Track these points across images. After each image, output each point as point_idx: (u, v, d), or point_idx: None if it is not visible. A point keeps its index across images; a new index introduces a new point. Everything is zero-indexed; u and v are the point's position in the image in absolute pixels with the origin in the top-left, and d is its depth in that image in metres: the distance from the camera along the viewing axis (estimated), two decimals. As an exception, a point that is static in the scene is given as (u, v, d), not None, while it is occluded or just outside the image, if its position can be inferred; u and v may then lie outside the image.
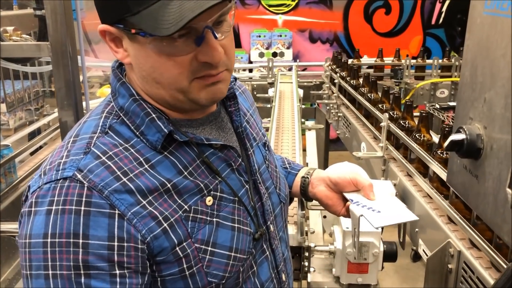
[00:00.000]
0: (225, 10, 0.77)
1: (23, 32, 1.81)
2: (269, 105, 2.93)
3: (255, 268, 0.89)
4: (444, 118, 2.99)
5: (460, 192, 1.00)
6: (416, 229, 1.63)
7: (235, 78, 0.98)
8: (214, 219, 0.82)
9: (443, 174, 1.42)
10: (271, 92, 3.37)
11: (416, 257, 3.53)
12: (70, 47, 1.39)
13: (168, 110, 0.83)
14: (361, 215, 0.95)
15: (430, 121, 1.65)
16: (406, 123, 1.87)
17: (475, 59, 0.91)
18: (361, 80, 2.67)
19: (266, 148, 1.03)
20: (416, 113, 1.97)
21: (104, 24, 0.78)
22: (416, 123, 1.79)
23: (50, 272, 0.70)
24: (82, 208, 0.71)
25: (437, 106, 3.36)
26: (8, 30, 1.75)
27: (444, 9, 5.59)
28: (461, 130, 0.89)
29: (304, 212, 1.53)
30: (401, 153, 1.88)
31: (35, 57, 1.85)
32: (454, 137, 0.89)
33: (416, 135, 1.69)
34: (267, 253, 0.93)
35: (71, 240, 0.70)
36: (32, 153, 2.43)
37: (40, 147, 2.51)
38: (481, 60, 0.89)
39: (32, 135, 2.59)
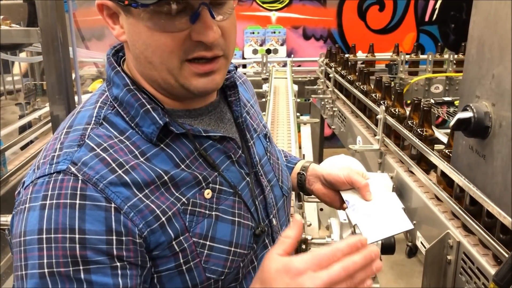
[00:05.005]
0: None
1: (13, 22, 1.77)
2: (263, 99, 2.90)
3: (255, 263, 0.86)
4: (439, 113, 2.98)
5: (466, 174, 0.98)
6: (414, 222, 1.61)
7: (236, 67, 0.94)
8: (213, 213, 0.79)
9: (441, 165, 1.40)
10: (265, 87, 3.35)
11: (411, 253, 3.51)
12: (60, 33, 1.35)
13: (165, 98, 0.80)
14: (356, 224, 0.94)
15: (428, 114, 1.64)
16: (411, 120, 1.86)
17: (482, 35, 0.88)
18: (357, 75, 2.66)
19: (267, 140, 1.00)
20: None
21: None
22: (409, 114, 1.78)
23: (46, 270, 0.66)
24: (77, 201, 0.68)
25: (432, 101, 3.36)
26: (-3, 19, 1.70)
27: (437, 6, 5.60)
28: (468, 108, 0.86)
29: (301, 203, 1.51)
30: (397, 144, 1.86)
31: (24, 44, 1.80)
32: (461, 115, 0.85)
33: (418, 129, 1.68)
34: (269, 247, 0.89)
35: (67, 235, 0.67)
36: (22, 148, 2.39)
37: (31, 142, 2.47)
38: (489, 36, 0.85)
39: (23, 129, 2.55)
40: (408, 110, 1.85)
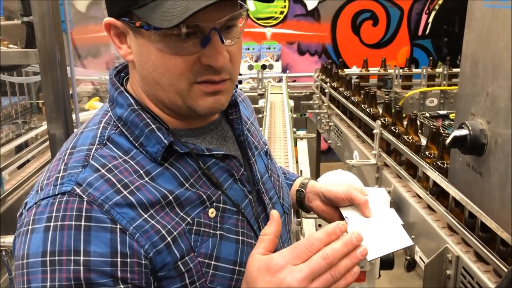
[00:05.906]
0: (235, 15, 0.75)
1: (10, 42, 1.78)
2: (260, 115, 2.91)
3: None
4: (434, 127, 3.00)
5: (463, 191, 0.98)
6: (412, 236, 1.61)
7: (236, 85, 0.95)
8: (218, 232, 0.79)
9: (438, 180, 1.40)
10: (261, 103, 3.36)
11: (410, 266, 3.50)
12: (58, 53, 1.36)
13: (168, 118, 0.81)
14: None
15: (418, 126, 1.57)
16: (397, 129, 1.86)
17: (475, 54, 0.90)
18: (353, 90, 2.65)
19: (268, 157, 1.00)
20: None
21: (110, 18, 0.76)
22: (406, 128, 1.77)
23: None
24: (82, 223, 0.68)
25: (427, 114, 3.38)
26: (-5, 40, 1.71)
27: (430, 20, 5.67)
28: (463, 126, 0.88)
29: (299, 220, 1.51)
30: (394, 159, 1.86)
31: (22, 65, 1.81)
32: (457, 133, 0.87)
33: (405, 137, 1.65)
34: None
35: (72, 257, 0.66)
36: (19, 167, 2.38)
37: (28, 161, 2.46)
38: (482, 54, 0.87)
39: (19, 149, 2.54)
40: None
